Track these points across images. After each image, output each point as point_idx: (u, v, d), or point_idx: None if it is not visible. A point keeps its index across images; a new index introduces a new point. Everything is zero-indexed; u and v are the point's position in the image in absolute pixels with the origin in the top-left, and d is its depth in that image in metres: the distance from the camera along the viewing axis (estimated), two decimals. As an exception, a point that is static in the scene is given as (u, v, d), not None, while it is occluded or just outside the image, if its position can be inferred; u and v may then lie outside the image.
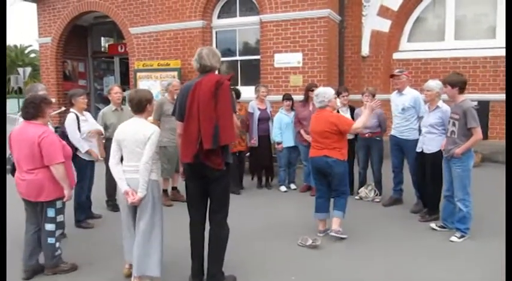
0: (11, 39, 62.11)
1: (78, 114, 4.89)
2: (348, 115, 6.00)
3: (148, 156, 3.34)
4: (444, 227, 4.71)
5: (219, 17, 9.11)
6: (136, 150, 3.37)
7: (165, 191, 6.11)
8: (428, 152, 4.88)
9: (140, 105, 3.47)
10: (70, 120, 4.81)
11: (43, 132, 3.50)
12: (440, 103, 4.78)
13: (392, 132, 5.60)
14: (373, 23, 8.56)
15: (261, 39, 8.39)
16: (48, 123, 4.59)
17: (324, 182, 4.67)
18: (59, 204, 3.65)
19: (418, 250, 4.24)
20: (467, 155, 4.38)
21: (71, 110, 4.92)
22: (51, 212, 3.63)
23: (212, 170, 3.25)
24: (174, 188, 6.23)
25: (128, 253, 3.59)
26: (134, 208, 3.47)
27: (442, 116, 4.73)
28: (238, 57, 9.14)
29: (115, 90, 5.53)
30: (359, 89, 7.90)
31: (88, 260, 4.04)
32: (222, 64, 9.33)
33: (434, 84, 4.78)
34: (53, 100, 10.87)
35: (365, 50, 8.67)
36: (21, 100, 18.40)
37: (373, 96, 5.83)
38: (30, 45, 42.35)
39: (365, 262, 4.00)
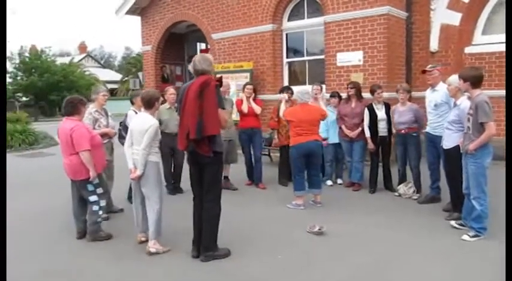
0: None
1: (137, 112, 5.84)
2: (382, 112, 6.08)
3: (146, 144, 4.13)
4: (464, 226, 4.61)
5: (289, 19, 9.59)
6: (139, 138, 4.18)
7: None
8: (445, 148, 4.82)
9: (149, 102, 4.26)
10: (130, 116, 5.77)
11: (75, 126, 4.45)
12: (460, 100, 4.67)
13: (427, 128, 5.54)
14: (442, 16, 8.20)
15: (325, 39, 8.65)
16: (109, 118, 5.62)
17: (304, 164, 5.61)
18: (95, 180, 4.57)
19: (424, 246, 4.26)
20: (482, 151, 4.25)
21: (131, 108, 5.88)
22: (90, 187, 4.57)
23: (203, 157, 3.86)
24: (225, 177, 6.92)
25: (136, 225, 4.44)
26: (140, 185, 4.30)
27: (459, 113, 4.63)
28: (306, 58, 9.52)
29: (170, 92, 6.42)
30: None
31: (124, 230, 4.85)
32: (293, 64, 9.83)
33: (453, 78, 4.68)
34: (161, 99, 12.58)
35: (434, 45, 8.35)
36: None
37: (408, 92, 5.81)
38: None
39: (361, 251, 4.18)
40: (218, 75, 5.94)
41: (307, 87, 5.79)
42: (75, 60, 37.45)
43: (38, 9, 75.67)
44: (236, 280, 3.69)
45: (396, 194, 6.09)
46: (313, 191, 5.73)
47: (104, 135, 5.33)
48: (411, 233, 4.62)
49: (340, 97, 6.88)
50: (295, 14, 9.49)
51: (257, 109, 6.77)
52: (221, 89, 6.55)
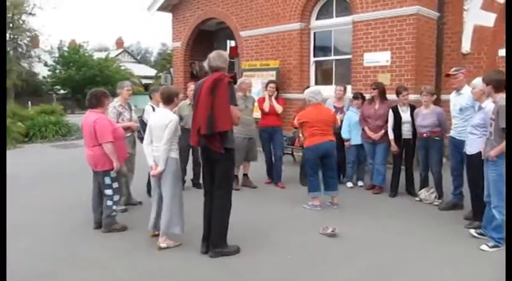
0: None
1: (155, 107, 5.93)
2: (407, 114, 5.94)
3: (167, 139, 4.14)
4: (484, 235, 4.43)
5: (317, 18, 9.49)
6: (159, 134, 4.19)
7: (235, 176, 6.86)
8: (469, 153, 4.65)
9: (169, 98, 4.30)
10: (148, 112, 5.87)
11: (97, 118, 4.58)
12: (485, 103, 4.48)
13: (451, 133, 5.37)
14: (476, 17, 7.90)
15: (353, 38, 8.50)
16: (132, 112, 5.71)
17: (319, 165, 5.63)
18: (112, 173, 4.68)
19: (440, 254, 4.14)
20: (503, 158, 4.08)
21: (149, 103, 5.97)
22: (107, 180, 4.69)
23: (214, 153, 3.89)
24: (245, 175, 6.94)
25: (151, 223, 4.44)
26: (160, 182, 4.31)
27: (484, 117, 4.44)
28: (333, 57, 9.39)
29: (191, 88, 6.46)
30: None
31: (140, 223, 4.87)
32: (320, 63, 9.73)
33: (477, 81, 4.52)
34: (181, 95, 12.73)
35: (466, 46, 8.05)
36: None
37: (432, 95, 5.66)
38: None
39: (372, 255, 4.12)
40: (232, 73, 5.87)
41: (319, 87, 5.90)
42: (112, 55, 38.38)
43: (80, 4, 78.09)
44: (241, 278, 3.70)
45: (417, 199, 5.93)
46: (330, 193, 5.66)
47: (126, 128, 5.45)
48: (427, 240, 4.49)
49: (363, 98, 6.75)
50: (324, 13, 9.38)
51: (278, 108, 6.74)
52: (243, 86, 6.65)
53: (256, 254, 4.14)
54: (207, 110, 3.78)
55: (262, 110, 6.79)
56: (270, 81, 6.97)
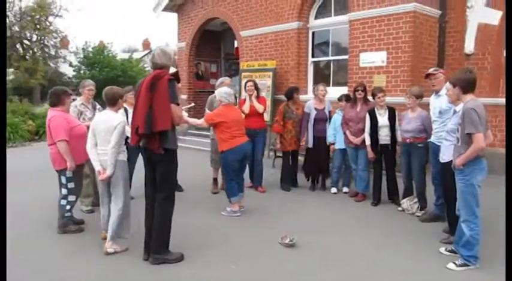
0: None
1: (128, 108, 5.75)
2: (385, 118, 5.54)
3: (115, 142, 3.98)
4: (455, 252, 4.01)
5: (316, 17, 9.15)
6: (106, 137, 4.03)
7: (214, 179, 6.63)
8: (442, 161, 4.23)
9: (113, 99, 4.14)
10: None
11: (52, 117, 4.46)
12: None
13: (432, 138, 4.96)
14: (480, 15, 7.36)
15: (349, 38, 8.12)
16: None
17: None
18: (68, 173, 4.53)
19: (406, 270, 3.78)
20: (471, 167, 3.67)
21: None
22: (63, 179, 4.55)
23: (154, 154, 3.67)
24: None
25: (103, 223, 4.30)
26: (108, 185, 4.16)
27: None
28: (330, 57, 9.02)
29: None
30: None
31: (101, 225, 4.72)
32: (318, 64, 9.37)
33: (452, 83, 4.10)
34: (184, 97, 12.61)
35: (469, 46, 7.52)
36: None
37: (417, 98, 5.23)
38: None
39: (328, 270, 3.79)
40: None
41: (228, 89, 5.57)
42: (139, 56, 38.87)
43: (110, 6, 79.69)
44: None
45: (399, 208, 5.52)
46: (242, 194, 5.52)
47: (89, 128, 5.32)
48: (397, 255, 4.12)
49: (348, 99, 6.36)
50: (322, 12, 9.03)
51: (259, 108, 6.44)
52: (222, 86, 6.39)
53: (201, 263, 3.89)
54: (146, 109, 3.59)
55: (242, 112, 6.51)
56: (248, 80, 6.66)
